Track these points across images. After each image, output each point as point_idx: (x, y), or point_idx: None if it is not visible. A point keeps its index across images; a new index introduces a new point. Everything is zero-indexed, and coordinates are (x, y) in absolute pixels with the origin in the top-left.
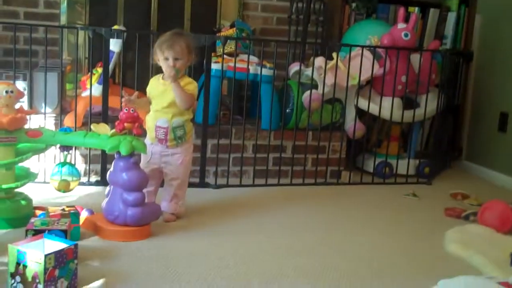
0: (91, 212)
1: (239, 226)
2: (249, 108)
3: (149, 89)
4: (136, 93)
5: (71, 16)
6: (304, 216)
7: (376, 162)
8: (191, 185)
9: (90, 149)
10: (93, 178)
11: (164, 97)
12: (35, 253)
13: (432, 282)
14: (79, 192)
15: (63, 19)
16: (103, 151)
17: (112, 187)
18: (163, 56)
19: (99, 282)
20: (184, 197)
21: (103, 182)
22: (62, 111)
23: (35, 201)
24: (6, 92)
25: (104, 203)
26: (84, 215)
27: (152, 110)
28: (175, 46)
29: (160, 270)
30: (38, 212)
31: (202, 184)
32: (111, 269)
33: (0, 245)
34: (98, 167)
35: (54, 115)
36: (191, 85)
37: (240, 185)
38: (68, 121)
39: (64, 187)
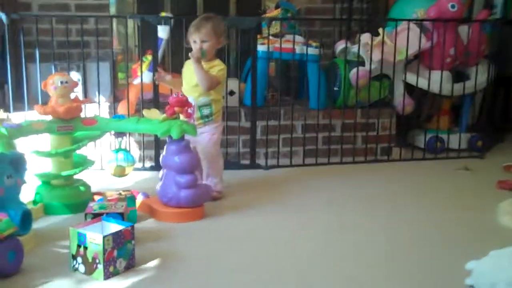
0: (147, 195)
1: (289, 205)
2: (297, 88)
3: (183, 69)
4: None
5: (120, 6)
6: (354, 194)
7: (427, 137)
8: (242, 166)
9: (143, 135)
10: (148, 164)
11: (192, 77)
12: (94, 235)
13: (484, 253)
14: (135, 177)
15: (112, 10)
16: (156, 137)
17: (165, 170)
18: (192, 39)
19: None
20: (218, 175)
21: (157, 167)
22: (115, 99)
23: (93, 187)
24: (61, 82)
25: (158, 186)
26: (140, 198)
27: (183, 90)
28: (201, 29)
29: (214, 249)
30: (96, 197)
31: (253, 166)
32: (167, 249)
33: (61, 229)
34: (152, 152)
35: (108, 103)
36: (216, 68)
37: (291, 165)
38: (122, 108)
39: (120, 173)
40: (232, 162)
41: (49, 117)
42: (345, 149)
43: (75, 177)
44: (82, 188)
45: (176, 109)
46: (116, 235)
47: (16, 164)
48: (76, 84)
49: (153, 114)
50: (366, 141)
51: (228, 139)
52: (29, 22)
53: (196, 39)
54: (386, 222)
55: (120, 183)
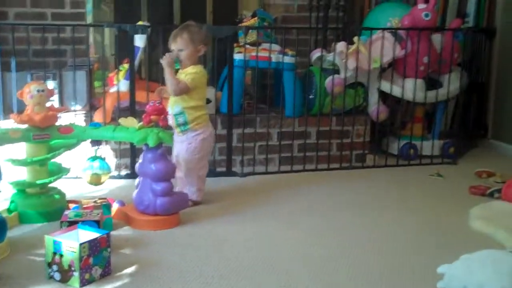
0: (122, 203)
1: (265, 212)
2: (273, 96)
3: None
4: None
5: (96, 15)
6: (330, 200)
7: (401, 144)
8: (218, 174)
9: (120, 143)
10: (124, 172)
11: None
12: (70, 243)
13: (456, 257)
14: (111, 185)
15: (89, 18)
16: (132, 145)
17: (141, 178)
18: (171, 48)
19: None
20: (196, 185)
21: (133, 175)
22: (91, 107)
23: (68, 196)
24: (38, 91)
25: (134, 194)
26: (115, 206)
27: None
28: (177, 38)
29: (190, 256)
30: (71, 205)
31: (229, 173)
32: (143, 257)
33: (36, 237)
34: (128, 160)
35: (84, 112)
36: (187, 76)
37: (266, 173)
38: (98, 117)
39: (96, 181)
40: (208, 169)
41: (25, 126)
42: (320, 156)
43: (50, 185)
44: (57, 196)
45: (152, 117)
46: (92, 242)
47: None
48: (52, 93)
49: (130, 122)
50: (341, 148)
51: None
52: (4, 31)
53: (173, 48)
54: (359, 227)
55: (96, 191)
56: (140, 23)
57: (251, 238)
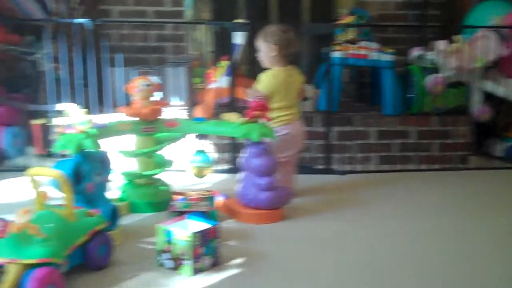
0: (226, 196)
1: (366, 211)
2: (370, 94)
3: None
4: None
5: (195, 13)
6: (429, 202)
7: (506, 146)
8: (317, 171)
9: (221, 138)
10: (224, 166)
11: None
12: (183, 232)
13: None
14: (212, 179)
15: (188, 16)
16: (233, 140)
17: (245, 172)
18: None
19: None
20: None
21: (233, 169)
22: (191, 103)
23: (172, 187)
24: (145, 85)
25: (238, 188)
26: (219, 199)
27: None
28: (257, 39)
29: (294, 251)
30: (176, 197)
31: (328, 171)
32: (249, 249)
33: (145, 226)
34: (228, 155)
35: (184, 107)
36: (260, 84)
37: (366, 171)
38: (198, 112)
39: (199, 173)
40: (306, 166)
41: (133, 119)
42: (420, 156)
43: (156, 177)
44: (163, 187)
45: (256, 112)
46: (204, 232)
47: (104, 162)
48: (158, 87)
49: (232, 117)
50: (442, 148)
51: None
52: (110, 28)
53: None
54: (460, 232)
55: (197, 184)
56: (238, 20)
57: (353, 237)
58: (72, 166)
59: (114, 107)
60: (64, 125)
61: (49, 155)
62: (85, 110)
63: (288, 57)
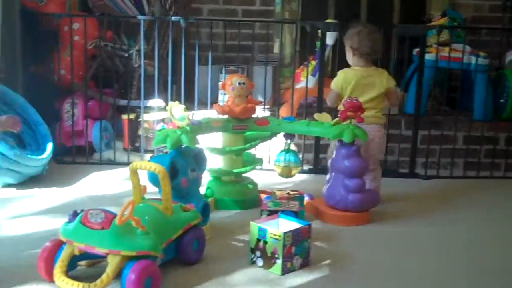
0: (311, 197)
1: (452, 217)
2: (459, 98)
3: None
4: None
5: (284, 13)
6: None
7: None
8: (401, 175)
9: (304, 138)
10: (306, 167)
11: None
12: (275, 230)
13: None
14: (295, 179)
15: (277, 15)
16: (317, 141)
17: (333, 173)
18: None
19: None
20: None
21: (316, 170)
22: (276, 103)
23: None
24: (239, 83)
25: (325, 189)
26: (305, 199)
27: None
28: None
29: (382, 255)
30: (262, 195)
31: (412, 175)
32: (337, 251)
33: (233, 223)
34: (311, 156)
35: (268, 106)
36: None
37: (451, 177)
38: (283, 111)
39: (286, 173)
40: (390, 170)
41: (225, 116)
42: (509, 163)
43: (244, 175)
44: (250, 185)
45: (349, 113)
46: (295, 232)
47: (199, 158)
48: (252, 86)
49: (324, 117)
50: None
51: (387, 147)
52: (197, 27)
53: None
54: None
55: (281, 184)
56: (329, 20)
57: (440, 243)
58: (168, 161)
59: (202, 104)
60: (155, 120)
61: (135, 149)
62: (183, 106)
63: (369, 58)
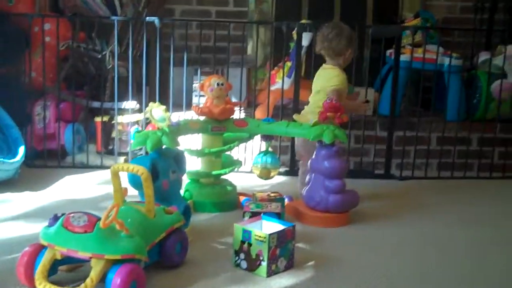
0: (291, 198)
1: (428, 217)
2: (431, 99)
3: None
4: None
5: (258, 13)
6: (489, 211)
7: None
8: (376, 176)
9: (280, 141)
10: (283, 169)
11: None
12: (260, 232)
13: None
14: (271, 181)
15: (250, 16)
16: (292, 142)
17: (313, 174)
18: None
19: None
20: None
21: (292, 172)
22: (249, 104)
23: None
24: (218, 84)
25: (304, 190)
26: (284, 201)
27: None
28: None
29: (364, 256)
30: (242, 197)
31: (387, 176)
32: (319, 252)
33: (213, 225)
34: (287, 158)
35: (242, 107)
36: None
37: (425, 178)
38: (259, 113)
39: (265, 175)
40: (366, 171)
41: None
42: (482, 164)
43: (223, 177)
44: (229, 187)
45: (329, 114)
46: (280, 234)
47: (179, 160)
48: (230, 87)
49: (303, 118)
50: (505, 156)
51: (362, 148)
52: (170, 27)
53: None
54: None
55: (259, 186)
56: (303, 21)
57: (418, 243)
58: (149, 163)
59: (176, 106)
60: (129, 122)
61: (109, 152)
62: (164, 107)
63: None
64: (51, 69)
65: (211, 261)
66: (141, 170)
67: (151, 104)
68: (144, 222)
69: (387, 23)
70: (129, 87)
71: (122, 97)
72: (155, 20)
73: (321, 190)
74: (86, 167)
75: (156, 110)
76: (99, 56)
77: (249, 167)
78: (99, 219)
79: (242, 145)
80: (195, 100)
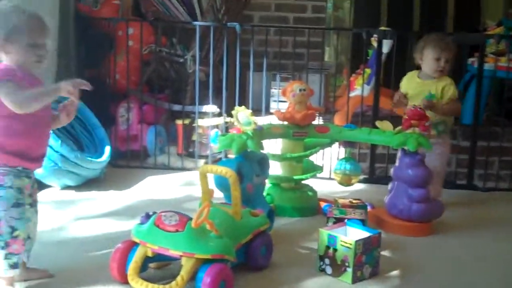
0: (372, 206)
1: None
2: None
3: (404, 86)
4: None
5: (335, 20)
6: None
7: None
8: (458, 186)
9: (359, 148)
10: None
11: (419, 97)
12: (346, 238)
13: None
14: (350, 188)
15: (328, 23)
16: (372, 150)
17: (396, 182)
18: (433, 56)
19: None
20: None
21: (370, 179)
22: (327, 110)
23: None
24: (300, 90)
25: (387, 198)
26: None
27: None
28: (450, 49)
29: (449, 267)
30: (322, 203)
31: (470, 186)
32: (402, 261)
33: (295, 230)
34: (364, 165)
35: (318, 114)
36: (451, 88)
37: (510, 189)
38: (337, 119)
39: (346, 181)
40: (447, 181)
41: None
42: None
43: (304, 182)
44: (310, 193)
45: (413, 121)
46: (366, 240)
47: (263, 164)
48: (312, 93)
49: (386, 125)
50: None
51: None
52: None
53: (442, 57)
54: None
55: (338, 192)
56: (382, 28)
57: (500, 256)
58: (234, 166)
59: (255, 111)
60: (209, 126)
61: (189, 155)
62: (250, 111)
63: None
64: (134, 72)
65: (295, 265)
66: (229, 173)
67: (237, 107)
68: (231, 224)
69: (468, 31)
70: (209, 91)
71: (201, 101)
72: (236, 25)
73: (404, 198)
74: (167, 168)
75: (242, 113)
76: (181, 60)
77: (329, 173)
78: (190, 218)
79: (323, 151)
80: (273, 105)
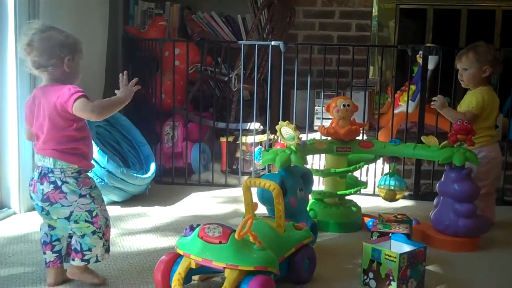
0: (417, 221)
1: None
2: None
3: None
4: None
5: (380, 39)
6: None
7: None
8: (507, 202)
9: (403, 164)
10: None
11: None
12: (390, 252)
13: None
14: (395, 204)
15: (373, 41)
16: (417, 165)
17: (441, 197)
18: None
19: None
20: None
21: (415, 196)
22: (370, 127)
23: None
24: (344, 105)
25: (432, 213)
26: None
27: None
28: (462, 57)
29: (498, 284)
30: (366, 219)
31: None
32: (450, 276)
33: (338, 245)
34: (409, 181)
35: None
36: (471, 103)
37: None
38: (382, 136)
39: (391, 197)
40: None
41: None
42: None
43: (347, 197)
44: (354, 208)
45: (459, 136)
46: (411, 254)
47: (306, 178)
48: (356, 108)
49: (431, 140)
50: None
51: None
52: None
53: (458, 67)
54: None
55: (383, 208)
56: (428, 44)
57: None
58: (278, 179)
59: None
60: (253, 143)
61: (233, 171)
62: (294, 125)
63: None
64: (180, 91)
65: (339, 279)
66: (272, 186)
67: (280, 122)
68: (275, 237)
69: None
70: (254, 109)
71: (246, 118)
72: (280, 44)
73: (451, 213)
74: (211, 185)
75: (286, 128)
76: (225, 79)
77: (373, 189)
78: (233, 230)
79: (366, 167)
80: (317, 122)
